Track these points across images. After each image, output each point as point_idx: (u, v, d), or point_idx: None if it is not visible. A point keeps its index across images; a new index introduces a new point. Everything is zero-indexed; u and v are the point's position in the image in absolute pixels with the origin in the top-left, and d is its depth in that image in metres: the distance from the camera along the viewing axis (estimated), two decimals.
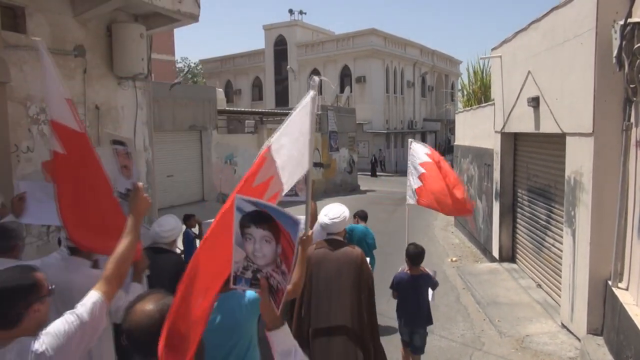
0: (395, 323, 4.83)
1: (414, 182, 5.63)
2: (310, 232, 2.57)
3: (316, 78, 2.60)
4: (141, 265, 2.84)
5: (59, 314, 1.93)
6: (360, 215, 6.31)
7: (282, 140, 2.32)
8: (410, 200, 5.67)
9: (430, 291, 4.59)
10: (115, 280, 2.08)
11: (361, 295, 3.40)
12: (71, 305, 1.97)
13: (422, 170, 5.55)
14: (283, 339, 1.74)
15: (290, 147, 2.32)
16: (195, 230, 6.71)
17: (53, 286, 1.98)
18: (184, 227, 6.06)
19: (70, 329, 1.85)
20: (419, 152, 5.66)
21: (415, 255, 4.46)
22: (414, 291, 4.47)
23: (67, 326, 1.85)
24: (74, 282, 2.52)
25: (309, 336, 3.38)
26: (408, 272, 4.53)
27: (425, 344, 4.63)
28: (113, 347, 2.72)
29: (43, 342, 1.78)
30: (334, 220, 3.55)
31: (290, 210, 1.76)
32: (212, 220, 2.11)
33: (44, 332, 1.83)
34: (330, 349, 3.31)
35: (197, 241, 6.46)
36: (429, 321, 4.62)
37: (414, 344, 4.57)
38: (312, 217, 3.49)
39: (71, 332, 1.85)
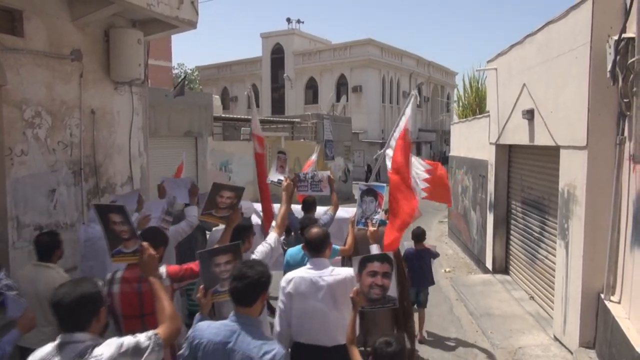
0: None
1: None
2: (354, 215, 4.44)
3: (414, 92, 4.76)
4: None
5: None
6: None
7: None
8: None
9: (432, 260, 6.27)
10: (281, 227, 3.68)
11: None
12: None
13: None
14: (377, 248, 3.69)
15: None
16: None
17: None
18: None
19: (266, 250, 3.39)
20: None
21: (418, 234, 6.19)
22: (418, 261, 6.04)
23: (265, 248, 3.39)
24: None
25: None
26: (413, 247, 6.15)
27: (427, 300, 6.16)
28: None
29: (256, 255, 3.32)
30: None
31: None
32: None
33: (255, 250, 3.39)
34: None
35: None
36: (432, 282, 6.22)
37: (419, 299, 6.04)
38: (335, 206, 5.18)
39: (267, 251, 3.38)
